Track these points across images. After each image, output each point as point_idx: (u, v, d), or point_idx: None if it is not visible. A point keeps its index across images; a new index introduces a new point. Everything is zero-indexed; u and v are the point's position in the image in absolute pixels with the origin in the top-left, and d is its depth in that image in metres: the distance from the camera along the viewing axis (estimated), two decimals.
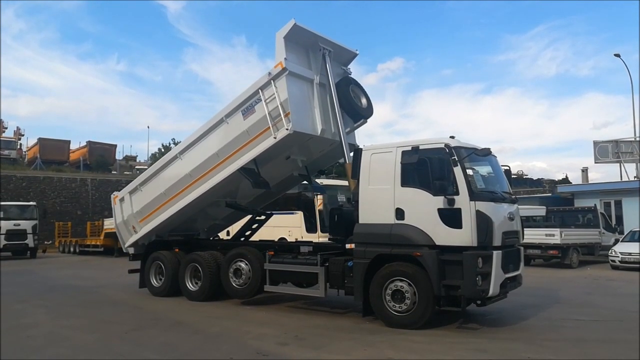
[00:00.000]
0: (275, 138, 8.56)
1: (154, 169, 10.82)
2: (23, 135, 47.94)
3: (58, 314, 8.97)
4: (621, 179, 26.73)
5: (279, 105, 8.48)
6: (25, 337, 7.13)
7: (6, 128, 47.34)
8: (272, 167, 9.54)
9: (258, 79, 8.89)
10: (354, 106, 9.45)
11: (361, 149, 8.30)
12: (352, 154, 8.70)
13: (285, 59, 8.51)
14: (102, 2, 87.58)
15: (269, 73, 8.66)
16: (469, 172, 7.33)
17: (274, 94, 8.56)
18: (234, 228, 12.07)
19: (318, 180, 14.04)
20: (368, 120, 9.86)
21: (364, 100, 9.78)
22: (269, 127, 8.60)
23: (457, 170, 7.13)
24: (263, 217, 11.32)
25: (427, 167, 7.31)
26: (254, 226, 11.32)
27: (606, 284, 13.22)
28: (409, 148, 7.52)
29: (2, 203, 24.14)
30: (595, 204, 21.20)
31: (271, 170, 9.59)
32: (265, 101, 8.67)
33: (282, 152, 9.30)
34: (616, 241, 18.79)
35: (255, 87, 8.87)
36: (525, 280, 8.50)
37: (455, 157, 7.17)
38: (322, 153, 9.99)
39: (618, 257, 16.50)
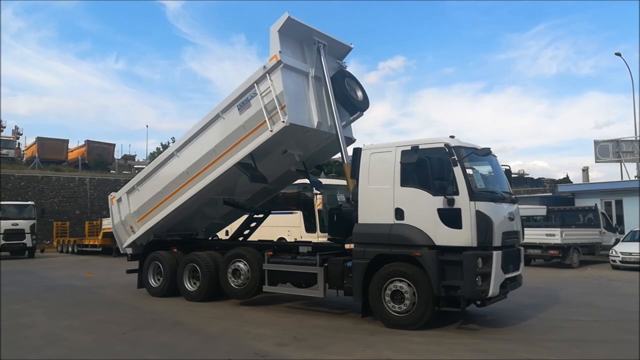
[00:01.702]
0: (271, 131, 8.53)
1: (151, 168, 10.77)
2: (21, 134, 48.02)
3: (56, 314, 8.94)
4: (622, 178, 26.71)
5: (275, 99, 8.44)
6: (23, 337, 7.10)
7: (4, 127, 47.41)
8: (269, 162, 9.50)
9: (253, 73, 8.85)
10: (350, 99, 9.43)
11: (360, 148, 8.25)
12: (351, 152, 8.66)
13: (279, 52, 8.47)
14: (101, 0, 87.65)
15: (264, 67, 8.61)
16: (469, 171, 7.30)
17: (269, 87, 8.51)
18: (233, 228, 12.01)
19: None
20: (364, 113, 9.84)
21: (359, 93, 9.75)
22: (265, 121, 8.57)
23: (457, 170, 7.09)
24: (261, 215, 11.28)
25: (426, 167, 7.28)
26: (253, 224, 11.28)
27: (607, 284, 13.19)
28: (409, 148, 7.47)
29: (1, 202, 24.08)
30: (595, 204, 21.14)
31: (268, 165, 9.55)
32: (260, 95, 8.63)
33: (279, 146, 9.26)
34: (617, 241, 18.73)
35: (250, 82, 8.83)
36: (525, 280, 8.47)
37: (455, 156, 7.13)
38: (319, 147, 9.95)
39: (619, 257, 16.45)
